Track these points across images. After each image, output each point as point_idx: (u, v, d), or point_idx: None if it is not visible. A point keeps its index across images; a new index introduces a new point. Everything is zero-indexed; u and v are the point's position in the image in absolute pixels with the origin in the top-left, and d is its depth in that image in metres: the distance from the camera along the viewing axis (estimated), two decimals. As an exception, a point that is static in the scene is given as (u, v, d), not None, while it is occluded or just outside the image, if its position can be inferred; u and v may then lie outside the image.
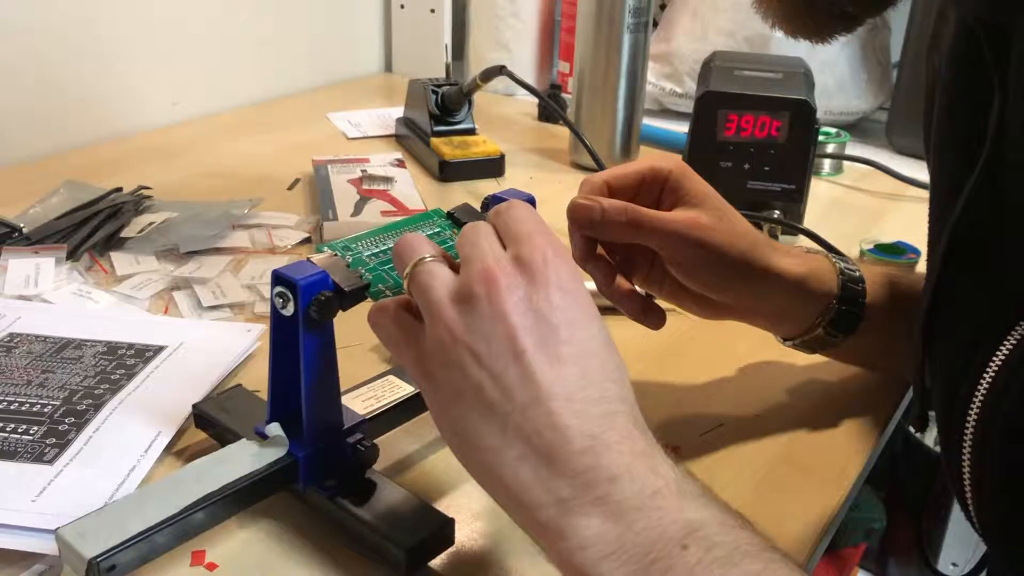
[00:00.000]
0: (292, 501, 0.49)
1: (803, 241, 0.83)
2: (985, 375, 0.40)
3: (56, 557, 0.43)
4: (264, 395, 0.50)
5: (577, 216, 0.52)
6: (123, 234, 0.79)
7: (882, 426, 0.61)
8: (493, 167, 1.01)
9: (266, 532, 0.48)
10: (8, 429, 0.53)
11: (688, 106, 0.93)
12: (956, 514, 1.26)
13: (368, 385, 0.55)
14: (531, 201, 0.52)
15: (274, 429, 0.47)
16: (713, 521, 0.35)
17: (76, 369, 0.60)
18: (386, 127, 1.17)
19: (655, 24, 1.29)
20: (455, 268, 0.42)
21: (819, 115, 0.85)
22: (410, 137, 1.08)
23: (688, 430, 0.58)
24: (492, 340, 0.38)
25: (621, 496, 0.35)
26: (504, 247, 0.42)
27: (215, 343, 0.64)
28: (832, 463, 0.56)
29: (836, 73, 1.19)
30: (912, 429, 0.57)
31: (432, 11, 1.36)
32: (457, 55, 1.39)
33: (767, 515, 0.51)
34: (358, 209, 0.85)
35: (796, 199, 0.85)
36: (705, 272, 0.53)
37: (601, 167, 0.97)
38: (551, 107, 1.10)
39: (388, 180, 0.92)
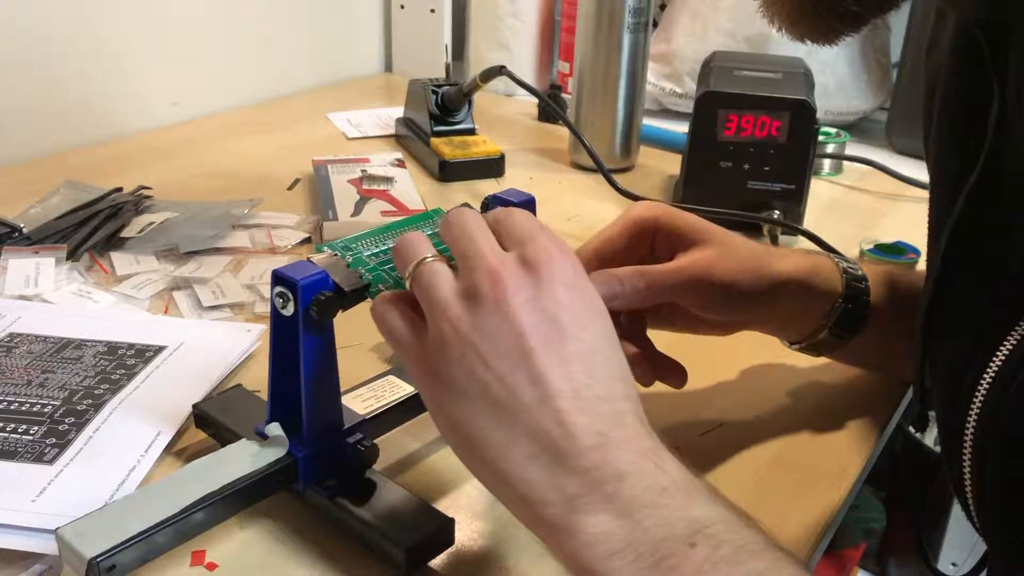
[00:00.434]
0: (292, 501, 0.49)
1: (803, 242, 0.83)
2: (986, 375, 0.40)
3: (56, 557, 0.43)
4: (264, 395, 0.50)
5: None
6: (123, 234, 0.79)
7: (882, 426, 0.61)
8: (493, 167, 1.01)
9: (266, 532, 0.48)
10: (8, 429, 0.53)
11: (688, 106, 0.93)
12: (956, 514, 1.26)
13: (368, 385, 0.55)
14: (531, 201, 0.52)
15: (274, 429, 0.47)
16: (720, 519, 0.35)
17: (76, 369, 0.60)
18: (386, 127, 1.17)
19: (655, 24, 1.29)
20: (454, 269, 0.42)
21: (819, 115, 0.85)
22: (410, 137, 1.08)
23: (688, 430, 0.58)
24: (500, 339, 0.38)
25: (629, 493, 0.35)
26: (504, 248, 0.41)
27: (215, 343, 0.64)
28: (832, 463, 0.56)
29: (836, 73, 1.19)
30: (912, 429, 0.57)
31: (432, 11, 1.36)
32: (457, 55, 1.39)
33: (767, 515, 0.51)
34: (358, 209, 0.85)
35: (796, 199, 0.85)
36: (724, 303, 0.53)
37: (601, 167, 0.97)
38: (551, 107, 1.10)
39: (388, 180, 0.92)
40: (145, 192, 0.88)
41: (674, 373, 0.54)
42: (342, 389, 0.49)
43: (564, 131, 1.08)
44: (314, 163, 0.96)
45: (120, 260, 0.76)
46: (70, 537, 0.41)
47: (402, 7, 1.40)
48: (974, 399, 0.40)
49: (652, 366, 0.54)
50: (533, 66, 1.34)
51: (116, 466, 0.51)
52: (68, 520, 0.42)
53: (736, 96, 0.84)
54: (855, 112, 1.23)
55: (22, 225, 0.79)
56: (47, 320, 0.66)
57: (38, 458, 0.51)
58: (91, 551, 0.40)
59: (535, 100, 1.22)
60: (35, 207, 0.84)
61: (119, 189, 0.88)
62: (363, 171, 0.94)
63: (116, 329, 0.65)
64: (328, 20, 1.35)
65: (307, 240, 0.83)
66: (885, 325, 0.58)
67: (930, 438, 1.28)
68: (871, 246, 0.82)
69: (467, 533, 0.49)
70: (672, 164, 0.99)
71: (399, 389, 0.55)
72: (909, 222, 0.92)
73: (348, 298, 0.46)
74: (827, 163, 1.07)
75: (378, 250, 0.50)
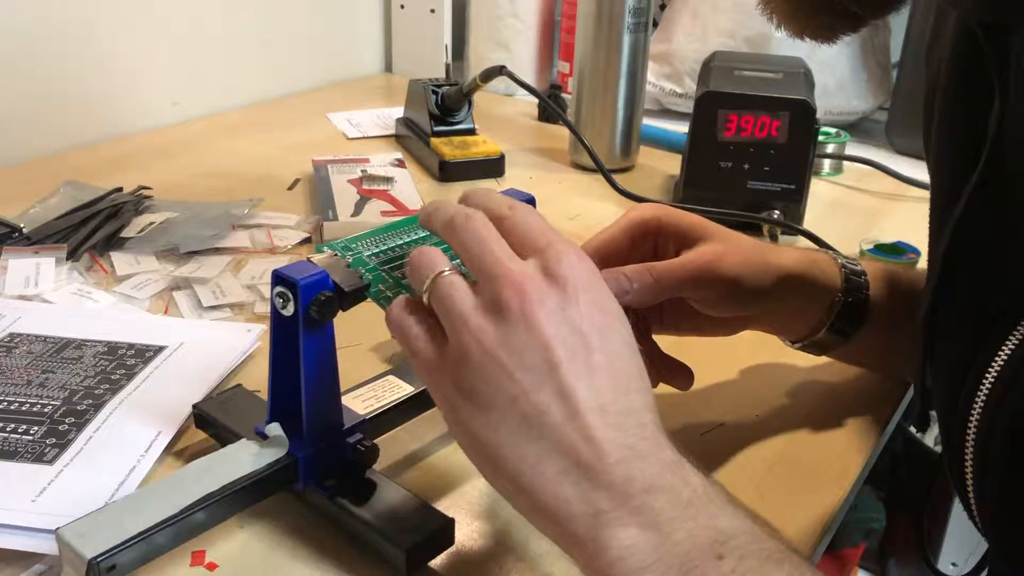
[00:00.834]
0: (292, 501, 0.49)
1: (803, 242, 0.83)
2: (987, 375, 0.40)
3: (56, 557, 0.43)
4: (264, 395, 0.50)
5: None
6: (123, 234, 0.79)
7: (882, 426, 0.61)
8: (493, 167, 1.01)
9: (266, 532, 0.48)
10: (8, 429, 0.53)
11: (688, 106, 0.93)
12: (956, 514, 1.26)
13: (368, 385, 0.55)
14: (531, 201, 0.52)
15: (274, 429, 0.47)
16: (743, 530, 0.35)
17: (76, 369, 0.60)
18: (386, 127, 1.17)
19: (655, 24, 1.29)
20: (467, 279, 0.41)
21: (819, 115, 0.85)
22: (410, 137, 1.08)
23: (688, 430, 0.58)
24: (525, 352, 0.37)
25: (658, 506, 0.35)
26: (519, 254, 0.41)
27: (215, 343, 0.64)
28: (832, 463, 0.56)
29: (836, 73, 1.19)
30: (913, 429, 0.57)
31: (432, 11, 1.36)
32: (457, 55, 1.39)
33: (767, 515, 0.51)
34: (358, 209, 0.85)
35: (796, 199, 0.85)
36: (730, 298, 0.53)
37: (601, 167, 0.97)
38: (551, 107, 1.10)
39: (388, 180, 0.92)
40: (145, 192, 0.88)
41: (681, 375, 0.54)
42: (342, 389, 0.49)
43: (564, 131, 1.08)
44: (314, 163, 0.96)
45: (120, 260, 0.76)
46: (70, 537, 0.41)
47: (402, 7, 1.40)
48: (976, 399, 0.40)
49: (658, 367, 0.54)
50: (533, 66, 1.34)
51: (116, 466, 0.51)
52: (68, 520, 0.42)
53: (736, 96, 0.84)
54: (855, 112, 1.23)
55: (22, 225, 0.79)
56: (47, 320, 0.66)
57: (38, 458, 0.51)
58: (91, 551, 0.40)
59: (535, 100, 1.22)
60: (35, 207, 0.84)
61: (119, 189, 0.88)
62: (363, 171, 0.94)
63: (116, 329, 0.65)
64: (328, 20, 1.35)
65: (307, 240, 0.83)
66: (885, 321, 0.58)
67: (930, 438, 1.28)
68: (871, 246, 0.82)
69: (467, 533, 0.49)
70: (672, 164, 0.99)
71: (399, 389, 0.55)
72: (909, 222, 0.92)
73: (348, 298, 0.46)
74: (827, 163, 1.07)
75: (378, 250, 0.50)
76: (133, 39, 1.09)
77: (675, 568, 0.33)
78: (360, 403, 0.53)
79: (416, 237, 0.53)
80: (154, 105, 1.13)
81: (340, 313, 0.46)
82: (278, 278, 0.44)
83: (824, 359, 0.62)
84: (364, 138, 1.14)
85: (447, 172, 0.99)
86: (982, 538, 0.44)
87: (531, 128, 1.22)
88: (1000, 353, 0.39)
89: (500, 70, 1.01)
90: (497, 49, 1.32)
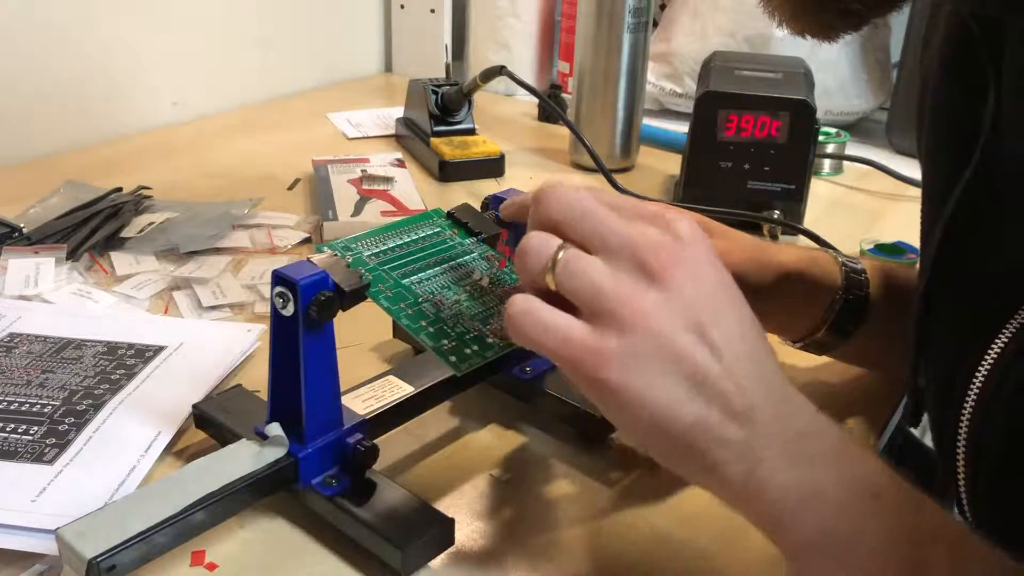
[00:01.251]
0: (292, 501, 0.49)
1: (803, 241, 0.83)
2: (978, 372, 0.40)
3: (56, 557, 0.43)
4: (264, 395, 0.50)
5: None
6: (123, 234, 0.79)
7: (882, 426, 0.61)
8: (493, 167, 1.01)
9: (266, 532, 0.48)
10: (8, 429, 0.53)
11: (688, 106, 0.93)
12: (955, 514, 1.25)
13: (368, 385, 0.55)
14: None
15: (274, 429, 0.47)
16: (888, 473, 0.37)
17: (76, 369, 0.60)
18: (386, 127, 1.17)
19: (655, 24, 1.29)
20: None
21: (819, 115, 0.85)
22: (410, 137, 1.08)
23: (688, 430, 0.58)
24: (677, 315, 0.37)
25: (813, 449, 0.37)
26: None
27: (215, 343, 0.64)
28: (832, 463, 0.56)
29: (836, 73, 1.19)
30: (912, 429, 0.57)
31: (432, 11, 1.36)
32: (457, 55, 1.39)
33: (767, 515, 0.51)
34: (358, 209, 0.85)
35: (796, 199, 0.85)
36: None
37: (601, 167, 0.97)
38: (551, 107, 1.10)
39: (388, 180, 0.92)
40: (145, 192, 0.88)
41: None
42: (342, 389, 0.49)
43: (564, 131, 1.08)
44: (314, 163, 0.96)
45: (120, 260, 0.76)
46: (70, 537, 0.41)
47: (402, 7, 1.40)
48: (968, 396, 0.40)
49: None
50: (533, 66, 1.34)
51: (116, 466, 0.51)
52: (68, 520, 0.42)
53: (736, 96, 0.84)
54: (855, 112, 1.23)
55: (22, 225, 0.79)
56: (47, 320, 0.66)
57: (38, 458, 0.51)
58: (91, 551, 0.40)
59: (535, 100, 1.21)
60: (35, 207, 0.84)
61: (119, 189, 0.88)
62: (363, 171, 0.94)
63: (116, 329, 0.65)
64: (328, 20, 1.35)
65: (307, 240, 0.83)
66: (885, 320, 0.58)
67: (930, 438, 1.28)
68: (871, 246, 0.82)
69: (467, 533, 0.49)
70: (672, 164, 0.99)
71: (399, 389, 0.55)
72: (909, 222, 0.91)
73: (348, 298, 0.46)
74: (827, 163, 1.07)
75: (378, 250, 0.50)
76: (133, 39, 1.09)
77: (832, 502, 0.35)
78: (360, 403, 0.53)
79: (416, 237, 0.53)
80: (154, 105, 1.13)
81: (340, 313, 0.46)
82: (278, 278, 0.44)
83: (824, 359, 0.62)
84: (364, 138, 1.14)
85: (447, 172, 0.99)
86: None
87: (531, 128, 1.22)
88: (992, 349, 0.39)
89: (500, 70, 1.01)
90: (497, 49, 1.32)
